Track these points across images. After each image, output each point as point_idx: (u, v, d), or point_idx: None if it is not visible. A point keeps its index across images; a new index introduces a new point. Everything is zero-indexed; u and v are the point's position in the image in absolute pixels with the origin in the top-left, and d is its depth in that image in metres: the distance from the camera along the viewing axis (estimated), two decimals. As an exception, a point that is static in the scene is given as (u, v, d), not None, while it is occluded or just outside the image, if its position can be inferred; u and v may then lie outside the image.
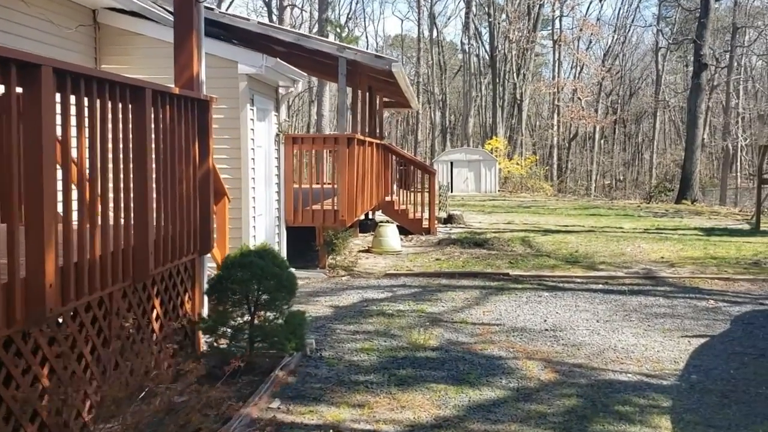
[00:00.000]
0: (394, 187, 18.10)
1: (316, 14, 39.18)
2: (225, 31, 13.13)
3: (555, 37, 50.50)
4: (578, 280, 11.37)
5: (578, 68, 54.47)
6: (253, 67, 9.62)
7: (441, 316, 8.86)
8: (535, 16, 49.48)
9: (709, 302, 9.77)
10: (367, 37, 57.07)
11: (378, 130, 19.26)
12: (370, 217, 19.01)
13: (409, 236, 16.54)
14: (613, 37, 54.23)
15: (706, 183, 48.67)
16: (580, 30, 51.18)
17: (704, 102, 36.00)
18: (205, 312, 6.86)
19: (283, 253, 11.64)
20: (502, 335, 7.98)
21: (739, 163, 49.90)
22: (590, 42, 55.48)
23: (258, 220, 10.52)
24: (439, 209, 21.31)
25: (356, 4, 64.40)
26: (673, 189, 37.89)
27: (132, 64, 9.81)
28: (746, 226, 19.28)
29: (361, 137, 12.67)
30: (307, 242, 12.04)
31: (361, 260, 13.12)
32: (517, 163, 41.91)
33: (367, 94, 17.40)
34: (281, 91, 11.58)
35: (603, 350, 7.45)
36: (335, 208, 11.66)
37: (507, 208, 25.87)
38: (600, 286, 10.87)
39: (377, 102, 18.83)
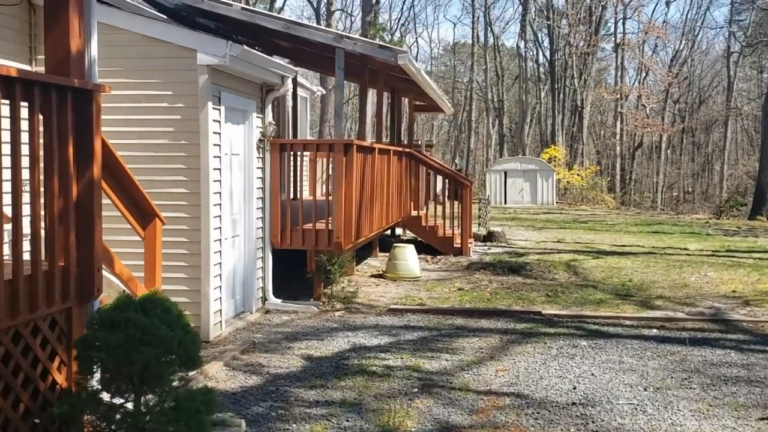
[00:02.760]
0: (422, 200, 16.03)
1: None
2: (219, 23, 11.33)
3: (618, 41, 47.68)
4: (627, 322, 9.12)
5: (643, 74, 51.46)
6: (215, 57, 7.72)
7: (439, 377, 6.78)
8: (597, 19, 46.80)
9: (799, 360, 7.46)
10: (418, 44, 55.15)
11: (407, 136, 17.27)
12: (397, 233, 17.00)
13: (437, 257, 14.45)
14: (681, 41, 51.05)
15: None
16: (645, 34, 48.27)
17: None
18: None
19: (268, 283, 9.71)
20: (511, 413, 5.86)
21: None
22: (656, 46, 52.44)
23: (226, 244, 8.60)
24: (479, 225, 19.16)
25: (409, 10, 62.25)
26: (746, 203, 34.81)
27: (73, 53, 8.00)
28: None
29: (366, 144, 10.68)
30: (302, 267, 10.10)
31: (366, 288, 11.10)
32: (577, 174, 39.29)
33: (390, 96, 15.41)
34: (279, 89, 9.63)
35: (650, 443, 5.29)
36: (329, 228, 9.67)
37: (561, 223, 23.53)
38: (654, 332, 8.63)
39: (401, 105, 16.85)
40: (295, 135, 15.41)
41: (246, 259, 9.26)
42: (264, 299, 9.70)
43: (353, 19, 45.87)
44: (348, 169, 9.53)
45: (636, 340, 8.20)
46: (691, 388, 6.54)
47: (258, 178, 9.42)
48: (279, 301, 9.71)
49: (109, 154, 5.78)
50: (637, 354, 7.64)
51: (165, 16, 8.41)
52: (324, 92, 20.31)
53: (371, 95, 16.36)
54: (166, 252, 7.93)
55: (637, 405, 6.07)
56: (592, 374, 6.91)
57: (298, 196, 9.91)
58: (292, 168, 10.44)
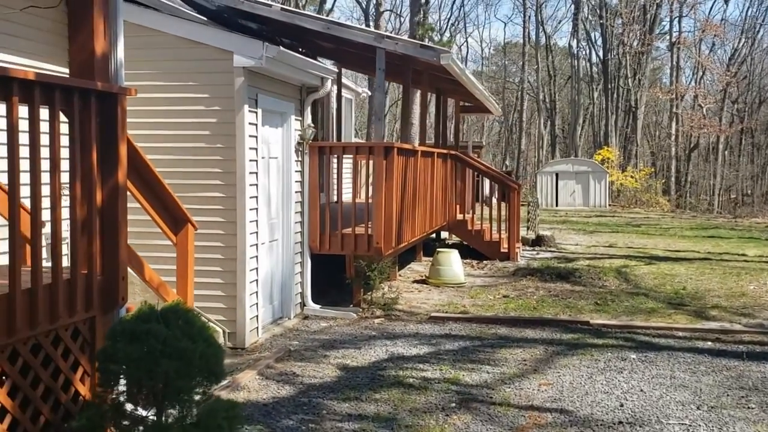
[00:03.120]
0: (469, 203, 15.71)
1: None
2: (261, 24, 11.20)
3: (673, 40, 46.54)
4: (680, 334, 8.70)
5: (700, 73, 50.16)
6: (251, 59, 7.56)
7: (478, 390, 6.50)
8: (652, 17, 45.73)
9: None
10: (468, 44, 54.63)
11: (453, 138, 16.95)
12: (443, 236, 16.72)
13: (483, 262, 14.12)
14: (740, 39, 49.58)
15: None
16: (702, 32, 47.03)
17: None
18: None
19: (307, 288, 9.53)
20: (553, 432, 5.56)
21: None
22: (713, 45, 51.06)
23: (263, 249, 8.43)
24: (528, 228, 18.75)
25: (459, 9, 61.73)
26: (809, 206, 33.56)
27: (111, 55, 7.93)
28: None
29: (407, 146, 10.42)
30: (343, 272, 9.89)
31: (408, 294, 10.85)
32: (631, 176, 38.38)
33: (434, 97, 15.13)
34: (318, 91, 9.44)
35: (702, 469, 4.93)
36: (369, 232, 9.45)
37: (613, 227, 22.93)
38: (708, 345, 8.19)
39: (447, 106, 16.54)
40: (339, 137, 15.24)
41: (284, 264, 9.09)
42: (302, 305, 9.52)
43: (402, 19, 45.65)
44: (388, 172, 9.29)
45: (689, 354, 7.79)
46: (749, 407, 6.14)
47: (296, 181, 9.24)
48: (318, 306, 9.52)
49: (137, 157, 5.65)
50: (690, 369, 7.24)
51: (205, 18, 8.29)
52: (369, 94, 20.09)
53: (418, 97, 16.11)
54: (202, 257, 7.82)
55: (690, 426, 5.71)
56: (641, 390, 6.55)
57: (340, 200, 9.69)
58: (335, 171, 10.22)
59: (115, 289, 4.79)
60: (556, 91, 51.51)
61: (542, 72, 50.09)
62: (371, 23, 38.23)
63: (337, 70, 14.40)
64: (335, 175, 10.20)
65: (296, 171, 9.23)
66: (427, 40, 30.87)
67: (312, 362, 7.30)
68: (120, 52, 5.07)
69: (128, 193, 5.21)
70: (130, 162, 5.67)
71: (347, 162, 13.99)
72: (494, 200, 16.75)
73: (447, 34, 45.15)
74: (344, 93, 16.25)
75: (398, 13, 45.06)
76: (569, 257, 15.00)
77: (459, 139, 17.13)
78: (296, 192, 9.24)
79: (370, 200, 9.59)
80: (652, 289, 11.48)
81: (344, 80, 16.27)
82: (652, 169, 43.87)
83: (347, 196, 12.87)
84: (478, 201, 16.56)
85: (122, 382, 4.33)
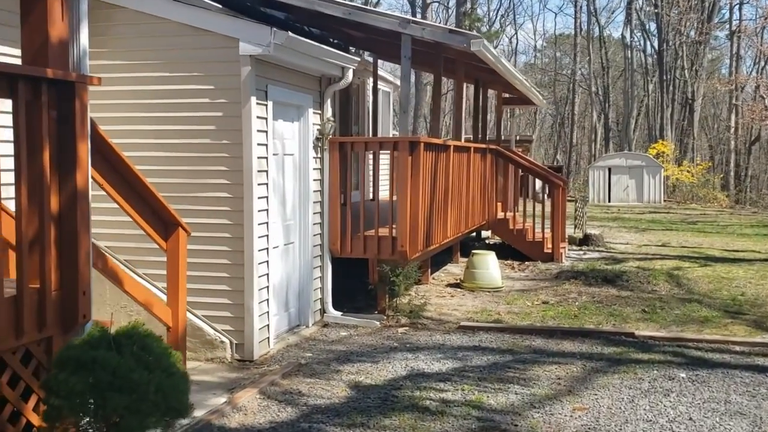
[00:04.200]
0: (511, 201, 14.88)
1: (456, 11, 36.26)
2: (285, 12, 10.57)
3: (733, 29, 44.68)
4: (737, 348, 7.81)
5: (762, 63, 48.09)
6: (258, 46, 6.93)
7: (503, 416, 5.76)
8: (710, 5, 43.94)
9: None
10: (517, 36, 53.38)
11: (495, 132, 16.14)
12: (484, 235, 15.93)
13: (525, 263, 13.31)
14: (806, 26, 47.38)
15: None
16: (765, 19, 44.99)
17: None
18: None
19: (327, 294, 8.88)
20: (583, 472, 4.80)
21: None
22: (777, 33, 48.86)
23: (276, 253, 7.81)
24: (575, 227, 17.83)
25: (508, 0, 60.28)
26: None
27: (114, 46, 7.41)
28: None
29: (437, 141, 9.68)
30: (366, 277, 9.23)
31: (439, 300, 10.12)
32: (687, 170, 36.89)
33: (474, 88, 14.35)
34: (339, 82, 8.77)
35: None
36: (393, 234, 8.75)
37: (667, 224, 21.83)
38: (770, 362, 7.31)
39: (487, 98, 15.72)
40: (375, 132, 14.55)
41: (302, 269, 8.46)
42: (322, 312, 8.88)
43: (450, 11, 44.75)
44: (414, 169, 8.58)
45: (747, 372, 6.92)
46: (816, 441, 5.29)
47: (315, 180, 8.59)
48: (339, 314, 8.87)
49: (114, 156, 5.06)
50: (749, 391, 6.38)
51: (214, 3, 7.70)
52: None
53: (464, 90, 15.30)
54: (207, 262, 7.27)
55: (746, 465, 4.90)
56: (690, 419, 5.73)
57: (362, 199, 9.01)
58: (369, 168, 9.51)
59: (74, 306, 4.20)
60: (609, 83, 50.02)
61: (595, 64, 48.63)
62: (418, 15, 37.45)
63: (371, 61, 13.76)
64: (366, 173, 9.51)
65: (315, 169, 8.58)
66: (474, 31, 30.03)
67: (322, 378, 6.65)
68: (84, 37, 4.47)
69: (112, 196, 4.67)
70: (107, 162, 5.10)
71: (383, 159, 13.31)
72: (544, 197, 15.91)
73: (497, 25, 44.07)
74: (381, 85, 15.54)
75: (446, 4, 44.14)
76: (618, 258, 14.09)
77: (501, 133, 16.29)
78: (315, 191, 8.60)
79: (394, 199, 8.89)
80: (707, 295, 10.56)
81: (381, 72, 15.56)
82: (710, 164, 42.16)
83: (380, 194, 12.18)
84: (528, 197, 15.67)
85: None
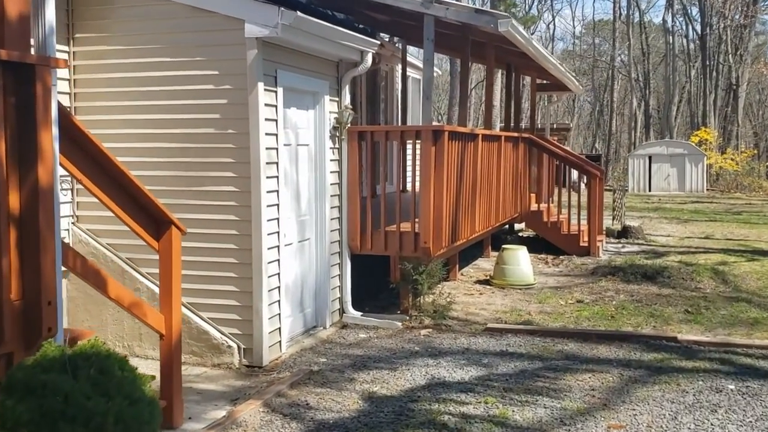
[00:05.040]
0: (546, 192, 14.21)
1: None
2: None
3: (781, 11, 43.13)
4: (792, 355, 7.13)
5: (810, 46, 46.42)
6: (265, 27, 6.39)
7: (528, 434, 5.19)
8: (756, -14, 42.45)
9: None
10: (555, 23, 52.27)
11: (528, 120, 15.46)
12: (517, 228, 15.28)
13: (560, 258, 12.67)
14: None
15: None
16: (814, 1, 43.40)
17: None
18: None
19: (347, 293, 8.36)
20: (618, 506, 4.21)
21: None
22: (826, 15, 47.13)
23: (288, 251, 7.30)
24: (613, 218, 17.08)
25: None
26: None
27: (112, 30, 6.95)
28: None
29: (463, 130, 9.09)
30: (389, 275, 8.68)
31: (466, 298, 9.54)
32: (731, 158, 35.68)
33: (506, 74, 13.69)
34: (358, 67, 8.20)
35: None
36: (416, 230, 8.19)
37: (710, 215, 20.93)
38: (829, 372, 6.62)
39: (520, 84, 15.03)
40: (404, 121, 13.98)
41: (319, 267, 7.95)
42: (341, 312, 8.36)
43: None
44: (438, 160, 8.00)
45: (804, 383, 6.25)
46: None
47: (332, 172, 8.06)
48: (359, 314, 8.35)
49: (94, 149, 4.57)
50: (806, 406, 5.72)
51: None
52: (439, 73, 18.69)
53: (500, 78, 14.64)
54: (214, 261, 6.79)
55: (808, 500, 4.27)
56: (741, 440, 5.11)
57: (383, 192, 8.46)
58: (399, 158, 8.87)
59: (38, 318, 3.71)
60: (650, 69, 48.72)
61: (635, 50, 47.37)
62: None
63: (377, 42, 13.18)
64: (388, 164, 8.96)
65: (332, 160, 8.04)
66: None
67: (334, 388, 6.12)
68: (50, 14, 3.96)
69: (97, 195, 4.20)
70: (85, 153, 4.61)
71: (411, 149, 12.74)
72: (580, 187, 15.24)
73: (534, 11, 43.04)
74: (411, 72, 14.94)
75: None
76: (658, 251, 13.37)
77: (535, 121, 15.60)
78: (332, 184, 8.07)
79: (414, 189, 8.33)
80: (756, 293, 9.83)
81: (411, 59, 14.96)
82: (755, 151, 40.82)
83: (408, 187, 11.61)
84: (564, 187, 14.96)
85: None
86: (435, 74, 18.52)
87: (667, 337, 7.58)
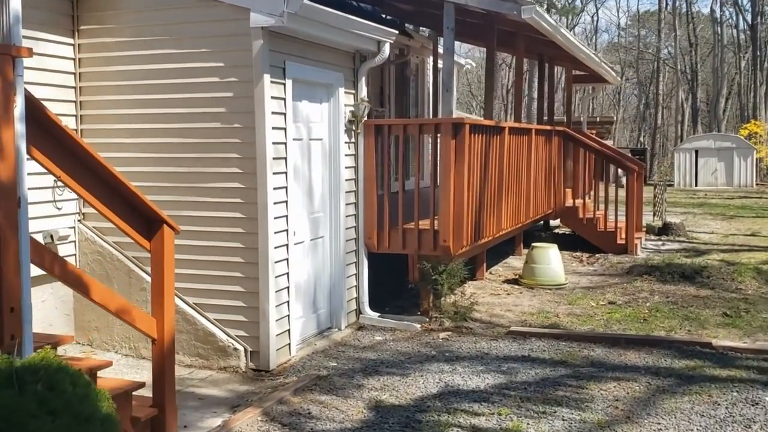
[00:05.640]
0: (582, 187, 13.71)
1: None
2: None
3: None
4: (837, 364, 6.61)
5: None
6: (270, 16, 6.09)
7: (541, 450, 4.81)
8: (810, -26, 41.02)
9: None
10: (598, 14, 51.14)
11: (564, 113, 14.95)
12: (552, 224, 14.81)
13: (596, 256, 12.19)
14: None
15: None
16: None
17: None
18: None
19: (363, 293, 8.05)
20: None
21: None
22: None
23: (299, 249, 7.01)
24: (654, 214, 16.50)
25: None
26: None
27: (117, 22, 6.73)
28: None
29: (487, 122, 8.70)
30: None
31: (492, 299, 9.16)
32: (782, 152, 34.55)
33: (538, 65, 13.22)
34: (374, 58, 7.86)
35: None
36: (435, 228, 7.84)
37: (758, 211, 20.14)
38: None
39: (554, 75, 14.53)
40: (435, 114, 13.61)
41: (333, 266, 7.65)
42: (358, 312, 8.06)
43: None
44: (458, 154, 7.63)
45: None
46: None
47: (348, 167, 7.75)
48: (376, 315, 8.03)
49: (72, 142, 4.31)
50: None
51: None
52: (473, 65, 18.25)
53: (539, 70, 14.20)
54: (220, 260, 6.56)
55: None
56: (776, 461, 4.67)
57: (401, 188, 8.11)
58: (418, 153, 8.48)
59: (-2, 326, 3.47)
60: (698, 61, 47.43)
61: (682, 41, 46.14)
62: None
63: (395, 32, 12.83)
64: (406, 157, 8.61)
65: (347, 155, 7.73)
66: (552, 10, 28.58)
67: (340, 395, 5.82)
68: (14, 1, 3.68)
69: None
70: (69, 152, 4.36)
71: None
72: (617, 182, 14.67)
73: (577, 2, 42.14)
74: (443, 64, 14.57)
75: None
76: (700, 249, 12.81)
77: (571, 113, 15.09)
78: (348, 180, 7.76)
79: (435, 184, 7.98)
80: (801, 295, 9.27)
81: (441, 50, 14.57)
82: (808, 145, 39.43)
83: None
84: (608, 182, 14.42)
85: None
86: (469, 66, 18.10)
87: (701, 343, 7.10)
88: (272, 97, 6.38)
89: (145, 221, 4.93)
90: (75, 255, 6.95)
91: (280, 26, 6.16)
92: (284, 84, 6.58)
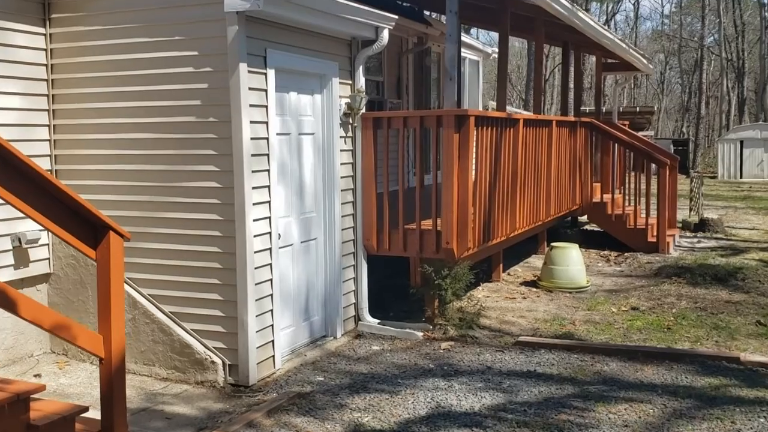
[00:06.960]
0: (614, 181, 12.98)
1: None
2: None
3: None
4: None
5: None
6: (246, 0, 5.56)
7: (530, 489, 4.22)
8: None
9: None
10: (638, 2, 49.74)
11: (594, 103, 14.20)
12: (580, 221, 14.09)
13: (624, 255, 11.49)
14: None
15: None
16: None
17: None
18: None
19: (362, 299, 7.50)
20: None
21: None
22: None
23: (286, 253, 6.49)
24: (690, 210, 15.67)
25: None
26: None
27: (89, 9, 6.26)
28: None
29: (497, 114, 8.07)
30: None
31: (506, 303, 8.54)
32: (833, 142, 33.09)
33: (563, 52, 12.51)
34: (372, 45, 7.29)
35: None
36: (437, 228, 7.25)
37: (805, 204, 19.17)
38: None
39: (580, 64, 13.78)
40: (459, 106, 12.96)
41: (328, 270, 7.11)
42: (357, 319, 7.52)
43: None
44: (462, 149, 7.03)
45: None
46: None
47: (344, 164, 7.20)
48: (376, 322, 7.48)
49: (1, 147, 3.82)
50: None
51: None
52: (488, 52, 17.46)
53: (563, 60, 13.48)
54: (196, 266, 6.07)
55: None
56: (803, 508, 4.02)
57: (401, 186, 7.54)
58: (419, 147, 7.90)
59: None
60: (745, 48, 45.82)
61: (728, 28, 44.61)
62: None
63: (395, 17, 12.24)
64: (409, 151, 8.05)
65: (343, 150, 7.18)
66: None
67: (318, 417, 5.29)
68: None
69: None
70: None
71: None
72: (649, 175, 13.88)
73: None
74: (468, 54, 13.92)
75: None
76: (738, 248, 12.02)
77: (600, 103, 14.32)
78: (344, 177, 7.21)
79: (436, 180, 7.39)
80: None
81: (467, 39, 13.91)
82: None
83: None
84: (644, 174, 13.63)
85: None
86: (493, 56, 17.35)
87: (728, 358, 6.42)
88: (250, 89, 5.85)
89: (89, 228, 4.45)
90: (48, 259, 6.53)
91: (257, 10, 5.62)
92: (265, 74, 6.05)
